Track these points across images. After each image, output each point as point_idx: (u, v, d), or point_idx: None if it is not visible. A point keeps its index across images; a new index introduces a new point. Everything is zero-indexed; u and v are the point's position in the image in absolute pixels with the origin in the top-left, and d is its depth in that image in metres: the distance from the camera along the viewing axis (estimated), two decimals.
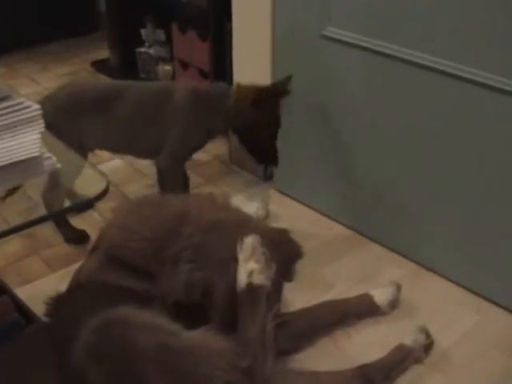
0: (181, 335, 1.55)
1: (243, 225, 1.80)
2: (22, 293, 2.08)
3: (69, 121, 2.31)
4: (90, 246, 1.98)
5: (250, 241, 1.67)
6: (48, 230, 2.54)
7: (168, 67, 3.53)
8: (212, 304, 1.71)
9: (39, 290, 2.25)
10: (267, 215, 2.59)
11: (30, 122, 1.18)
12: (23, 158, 1.17)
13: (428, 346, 1.96)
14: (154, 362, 1.48)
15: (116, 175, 2.90)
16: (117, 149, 2.51)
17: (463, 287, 2.25)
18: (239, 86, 2.38)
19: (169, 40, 3.54)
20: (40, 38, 4.34)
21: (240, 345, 1.58)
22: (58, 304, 1.78)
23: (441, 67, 2.04)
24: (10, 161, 1.16)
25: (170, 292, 1.69)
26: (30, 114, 1.18)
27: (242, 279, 1.64)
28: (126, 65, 3.78)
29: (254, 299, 1.63)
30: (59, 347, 1.62)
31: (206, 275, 1.70)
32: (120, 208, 2.01)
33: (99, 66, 4.02)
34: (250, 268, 1.64)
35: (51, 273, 2.37)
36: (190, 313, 1.68)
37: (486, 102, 1.97)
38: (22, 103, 1.17)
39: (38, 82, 3.95)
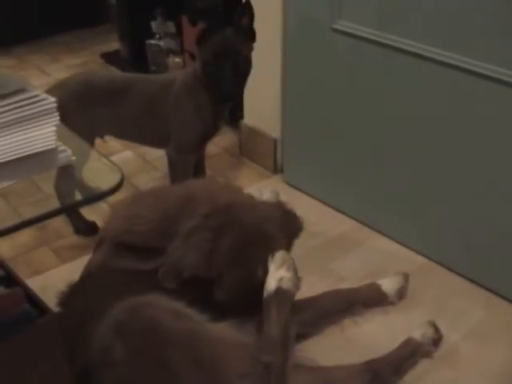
0: (207, 325, 1.61)
1: (253, 207, 1.89)
2: (32, 284, 2.08)
3: (79, 107, 2.33)
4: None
5: (281, 254, 1.79)
6: (58, 221, 2.55)
7: (178, 59, 3.54)
8: (220, 285, 1.77)
9: (49, 281, 2.26)
10: None
11: (46, 115, 1.19)
12: (39, 150, 1.18)
13: (437, 340, 1.96)
14: (179, 346, 1.53)
15: (126, 167, 2.91)
16: (126, 137, 2.53)
17: (472, 281, 2.25)
18: None
19: (179, 32, 3.54)
20: (50, 28, 4.35)
21: (263, 341, 1.64)
22: (70, 294, 1.81)
23: (453, 62, 2.03)
24: (26, 153, 1.16)
25: (179, 263, 1.75)
26: (45, 107, 1.19)
27: (272, 283, 1.73)
28: (136, 57, 3.79)
29: (281, 302, 1.71)
30: (72, 336, 1.64)
31: (222, 256, 1.76)
32: (120, 202, 2.03)
33: (109, 57, 4.03)
34: (281, 275, 1.74)
35: (61, 264, 2.38)
36: (194, 287, 1.75)
37: (499, 97, 1.97)
38: (37, 96, 1.17)
39: (48, 73, 3.96)
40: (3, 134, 1.14)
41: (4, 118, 1.14)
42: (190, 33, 3.34)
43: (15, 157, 1.15)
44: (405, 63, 2.17)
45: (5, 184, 1.16)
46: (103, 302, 1.65)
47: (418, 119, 2.21)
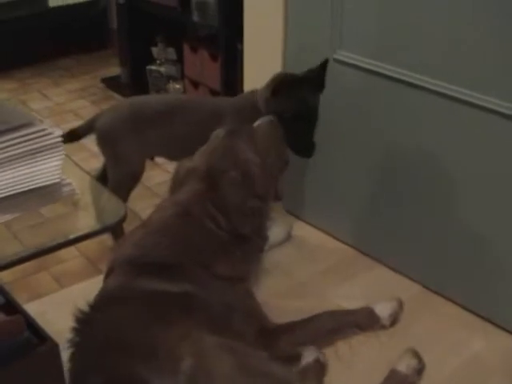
0: (255, 356, 1.67)
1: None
2: (31, 308, 2.07)
3: (130, 129, 2.39)
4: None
5: None
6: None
7: (178, 86, 3.56)
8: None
9: (48, 306, 2.26)
10: (287, 240, 2.63)
11: (52, 149, 1.20)
12: (44, 184, 1.20)
13: (420, 370, 1.96)
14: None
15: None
16: (177, 158, 2.54)
17: (469, 311, 2.25)
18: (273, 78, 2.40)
19: (180, 59, 3.57)
20: (52, 53, 4.38)
21: None
22: (91, 317, 1.72)
23: (454, 93, 2.06)
24: (32, 187, 1.18)
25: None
26: (51, 141, 1.21)
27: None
28: (137, 82, 3.81)
29: None
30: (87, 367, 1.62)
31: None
32: (129, 232, 2.02)
33: (110, 82, 4.05)
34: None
35: (60, 289, 2.38)
36: None
37: (497, 129, 1.99)
38: (44, 130, 1.19)
39: (48, 97, 3.98)
40: (10, 167, 1.15)
41: (11, 151, 1.16)
42: (191, 59, 3.37)
43: (21, 190, 1.16)
44: (405, 94, 2.20)
45: (9, 217, 1.18)
46: (137, 326, 1.64)
47: (417, 149, 2.23)
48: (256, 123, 2.06)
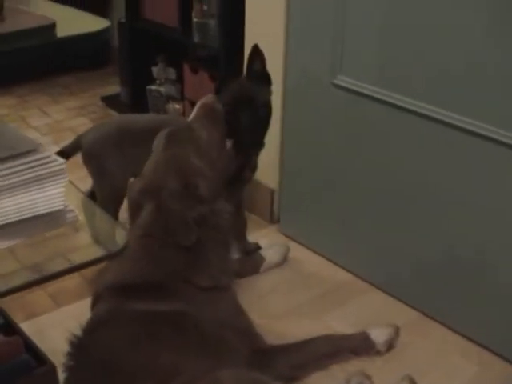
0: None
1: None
2: (28, 328, 2.09)
3: (114, 147, 2.42)
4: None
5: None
6: (56, 264, 2.55)
7: (178, 106, 3.57)
8: None
9: (44, 325, 2.27)
10: (283, 261, 2.63)
11: (55, 176, 1.22)
12: (48, 211, 1.21)
13: None
14: None
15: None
16: None
17: (465, 337, 2.26)
18: None
19: (180, 79, 3.58)
20: (52, 70, 4.39)
21: None
22: (84, 342, 1.74)
23: (453, 121, 2.07)
24: (35, 213, 1.19)
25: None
26: (55, 168, 1.22)
27: None
28: (137, 102, 3.82)
29: None
30: None
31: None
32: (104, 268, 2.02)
33: (109, 101, 4.06)
34: None
35: (57, 308, 2.38)
36: None
37: (495, 157, 2.01)
38: (48, 157, 1.21)
39: (48, 114, 4.00)
40: (14, 193, 1.17)
41: (16, 177, 1.17)
42: (191, 80, 3.39)
43: (24, 217, 1.18)
44: (404, 121, 2.21)
45: (13, 242, 1.19)
46: (130, 348, 1.66)
47: (415, 175, 2.25)
48: (193, 110, 2.06)
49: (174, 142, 1.95)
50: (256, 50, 2.28)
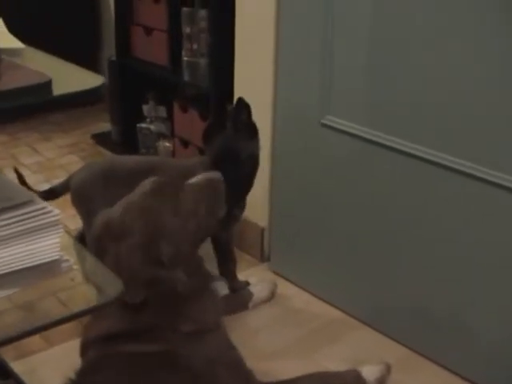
0: None
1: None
2: (19, 367, 2.09)
3: (102, 188, 2.42)
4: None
5: None
6: (47, 303, 2.55)
7: (168, 144, 3.59)
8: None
9: (36, 364, 2.27)
10: (271, 297, 2.65)
11: (51, 227, 1.24)
12: (43, 261, 1.23)
13: None
14: None
15: None
16: None
17: (456, 374, 2.27)
18: None
19: (170, 117, 3.61)
20: (43, 107, 4.40)
21: None
22: None
23: (443, 162, 2.11)
24: (31, 264, 1.21)
25: None
26: (50, 219, 1.24)
27: None
28: (127, 139, 3.83)
29: None
30: None
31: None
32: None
33: (100, 138, 4.07)
34: None
35: (49, 347, 2.38)
36: None
37: (492, 200, 2.04)
38: (43, 208, 1.23)
39: (39, 151, 4.01)
40: (9, 244, 1.19)
41: (11, 229, 1.19)
42: (181, 118, 3.42)
43: (19, 267, 1.20)
44: (393, 160, 2.25)
45: (8, 292, 1.21)
46: None
47: (405, 215, 2.28)
48: (195, 178, 1.97)
49: (159, 193, 1.87)
50: (241, 103, 2.32)
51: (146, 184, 1.91)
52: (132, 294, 1.74)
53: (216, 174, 1.97)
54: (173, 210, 1.84)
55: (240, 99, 2.32)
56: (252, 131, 2.36)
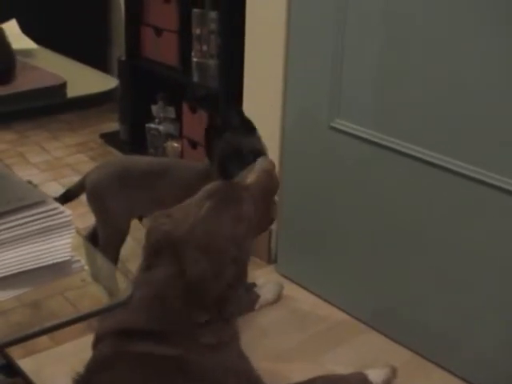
0: None
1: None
2: (26, 365, 2.10)
3: (117, 188, 2.44)
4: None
5: None
6: (55, 302, 2.56)
7: (176, 144, 3.60)
8: None
9: (43, 362, 2.28)
10: (277, 299, 2.65)
11: (63, 227, 1.25)
12: (55, 261, 1.23)
13: None
14: None
15: (122, 251, 2.94)
16: None
17: (461, 378, 2.27)
18: None
19: (179, 118, 3.63)
20: (52, 105, 4.41)
21: None
22: None
23: (453, 167, 2.11)
24: (43, 264, 1.22)
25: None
26: (62, 220, 1.25)
27: None
28: (135, 139, 3.85)
29: None
30: None
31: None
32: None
33: (108, 138, 4.09)
34: None
35: (55, 345, 2.39)
36: None
37: (499, 205, 2.04)
38: (56, 209, 1.24)
39: (47, 150, 4.03)
40: (22, 244, 1.19)
41: (23, 229, 1.20)
42: (190, 119, 3.42)
43: (31, 267, 1.20)
44: (402, 165, 2.25)
45: (20, 292, 1.22)
46: None
47: (414, 219, 2.28)
48: (252, 172, 1.94)
49: (223, 205, 1.82)
50: (230, 106, 2.37)
51: (207, 192, 1.86)
52: (197, 315, 1.77)
53: (270, 163, 1.98)
54: (233, 227, 1.81)
55: (228, 105, 2.34)
56: (249, 128, 2.37)
